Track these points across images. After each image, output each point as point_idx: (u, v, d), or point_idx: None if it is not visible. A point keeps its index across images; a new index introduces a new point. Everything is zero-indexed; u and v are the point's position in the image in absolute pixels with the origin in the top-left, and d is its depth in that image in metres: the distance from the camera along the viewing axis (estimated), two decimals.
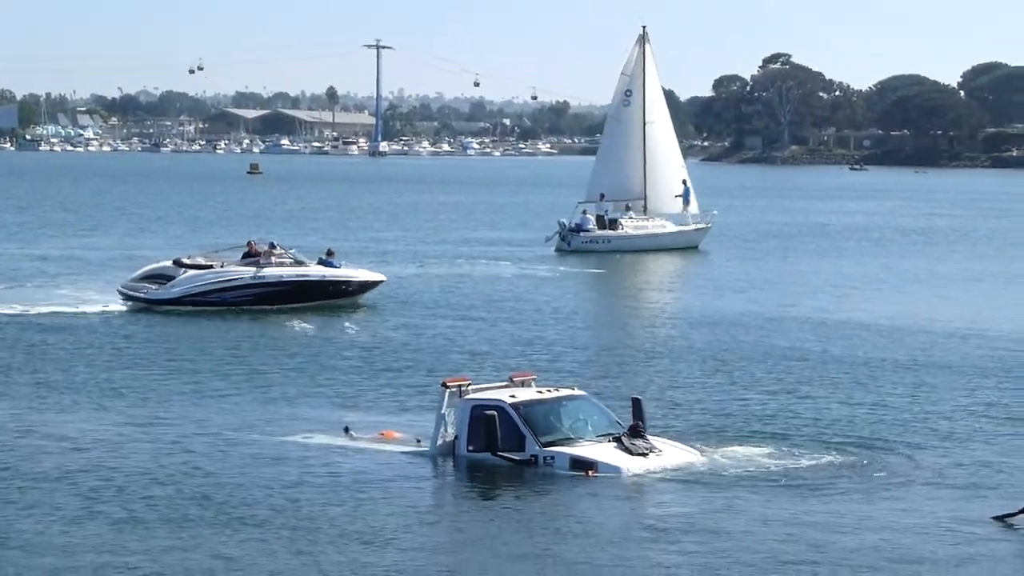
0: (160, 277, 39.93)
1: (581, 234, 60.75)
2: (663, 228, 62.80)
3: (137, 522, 18.22)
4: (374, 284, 41.91)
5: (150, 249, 57.03)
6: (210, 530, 17.92)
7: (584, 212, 61.82)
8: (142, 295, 39.39)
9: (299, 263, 40.98)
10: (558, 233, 61.09)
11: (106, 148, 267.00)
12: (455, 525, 18.94)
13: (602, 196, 62.42)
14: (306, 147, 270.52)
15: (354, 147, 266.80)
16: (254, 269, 39.99)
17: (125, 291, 39.93)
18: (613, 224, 61.77)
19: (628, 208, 62.88)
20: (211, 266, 40.32)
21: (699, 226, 63.72)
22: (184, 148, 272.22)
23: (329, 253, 42.26)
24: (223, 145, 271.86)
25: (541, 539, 17.80)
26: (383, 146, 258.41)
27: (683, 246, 62.08)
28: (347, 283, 41.25)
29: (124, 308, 39.25)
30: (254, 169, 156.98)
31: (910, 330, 37.47)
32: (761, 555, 16.87)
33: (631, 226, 62.13)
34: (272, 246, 41.60)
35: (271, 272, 40.10)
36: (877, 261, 59.18)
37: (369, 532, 17.88)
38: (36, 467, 21.21)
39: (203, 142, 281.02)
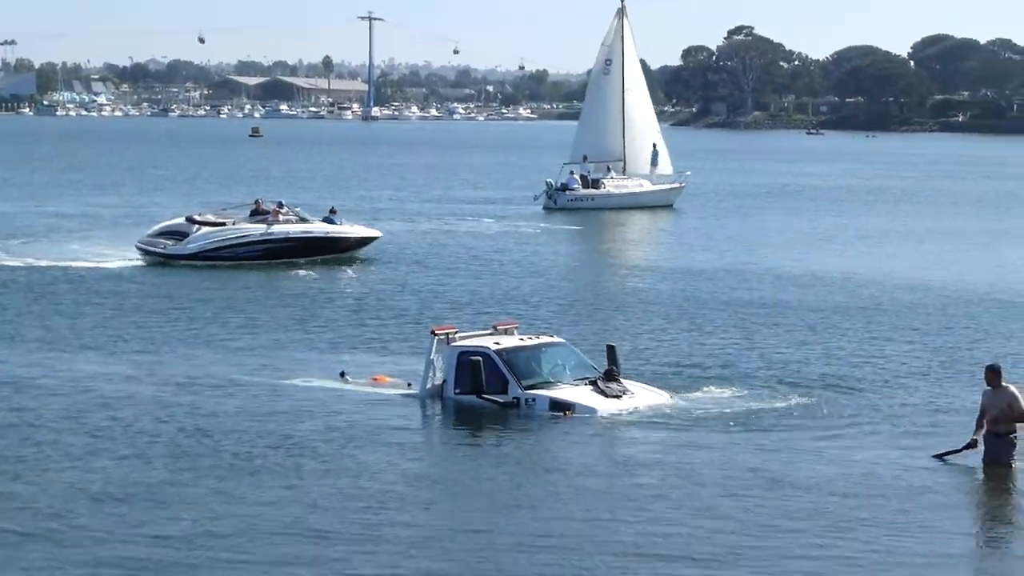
0: (175, 233, 39.90)
1: (567, 193, 61.11)
2: (641, 187, 63.19)
3: (139, 457, 18.19)
4: (370, 240, 42.15)
5: (159, 207, 56.84)
6: (208, 464, 17.90)
7: (572, 173, 62.25)
8: (160, 250, 39.34)
9: (304, 220, 41.20)
10: (545, 192, 61.46)
11: (118, 113, 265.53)
12: (439, 461, 18.93)
13: (585, 158, 63.02)
14: (304, 112, 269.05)
15: (348, 112, 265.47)
16: (264, 226, 40.12)
17: (143, 246, 39.91)
18: (596, 184, 62.24)
19: (609, 169, 63.37)
20: (223, 223, 40.44)
21: (674, 186, 64.11)
22: (190, 113, 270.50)
23: (332, 211, 42.57)
24: (226, 110, 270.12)
25: (519, 473, 17.80)
26: (375, 111, 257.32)
27: (659, 204, 62.49)
28: (347, 239, 41.52)
29: (143, 262, 39.38)
30: (255, 132, 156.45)
31: (861, 281, 37.43)
32: (721, 488, 16.94)
33: (612, 186, 62.57)
34: (280, 205, 41.65)
35: (279, 229, 40.21)
36: (831, 219, 59.09)
37: (356, 467, 17.86)
38: (48, 406, 21.19)
39: (208, 107, 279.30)
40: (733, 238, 50.17)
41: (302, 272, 37.72)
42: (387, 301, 33.34)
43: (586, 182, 61.88)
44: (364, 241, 42.03)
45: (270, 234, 40.02)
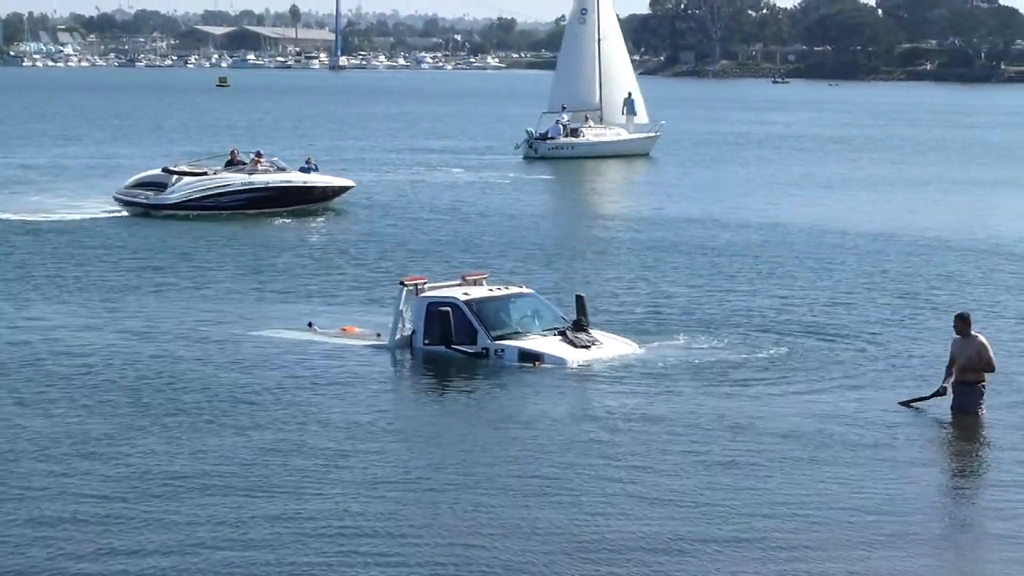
0: (153, 184, 39.67)
1: (547, 142, 61.19)
2: (619, 136, 63.37)
3: (104, 405, 18.18)
4: (345, 189, 42.22)
5: (127, 159, 56.46)
6: (165, 415, 17.82)
7: (557, 122, 62.28)
8: (141, 200, 39.11)
9: (282, 171, 41.23)
10: (527, 141, 61.47)
11: (84, 64, 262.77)
12: (408, 411, 18.86)
13: (563, 107, 63.06)
14: (271, 62, 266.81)
15: (315, 62, 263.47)
16: (245, 176, 40.13)
17: (122, 197, 39.65)
18: (575, 133, 62.40)
19: (587, 118, 63.44)
20: (203, 173, 40.27)
21: (650, 135, 64.22)
22: (157, 63, 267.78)
23: (308, 162, 42.74)
24: (193, 60, 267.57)
25: (483, 424, 17.79)
26: (342, 61, 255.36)
27: (636, 153, 62.66)
28: (324, 188, 41.62)
29: (125, 213, 39.16)
30: (223, 82, 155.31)
31: (827, 230, 37.54)
32: (687, 437, 16.98)
33: (591, 134, 62.74)
34: (259, 155, 41.67)
35: (259, 179, 40.20)
36: (797, 168, 59.13)
37: (320, 418, 17.80)
38: (16, 354, 21.22)
39: (175, 57, 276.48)
40: (705, 187, 50.22)
41: (280, 221, 38.25)
42: (357, 252, 33.27)
43: (564, 131, 62.06)
44: (339, 191, 42.07)
45: (251, 183, 40.00)
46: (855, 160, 63.74)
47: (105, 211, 39.25)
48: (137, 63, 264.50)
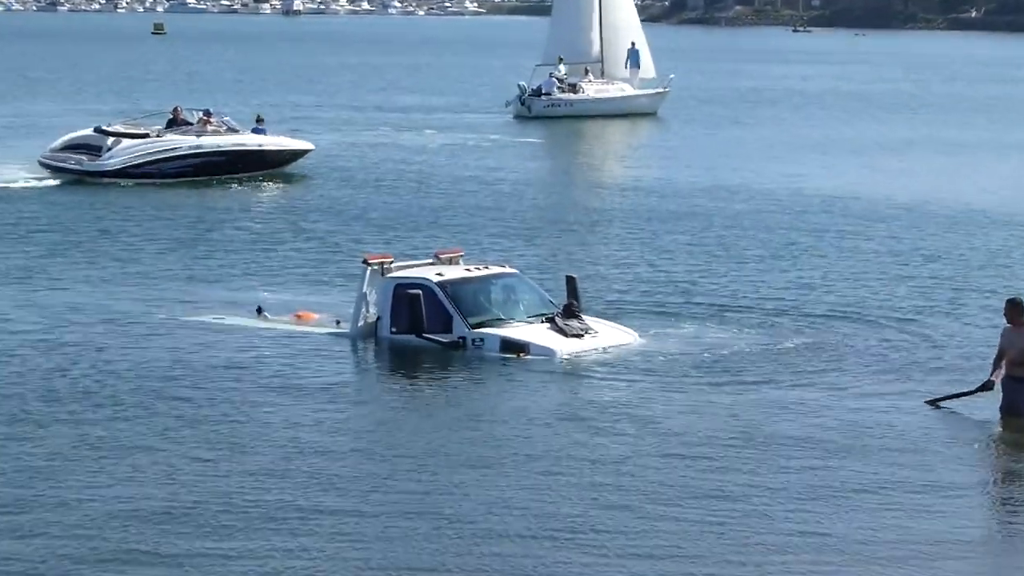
0: (86, 147, 39.34)
1: (543, 98, 60.78)
2: (623, 92, 63.07)
3: (10, 400, 18.28)
4: (303, 153, 42.18)
5: (49, 116, 56.20)
6: (92, 410, 17.92)
7: (551, 75, 61.80)
8: (73, 166, 38.87)
9: (234, 131, 41.15)
10: (518, 97, 61.11)
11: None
12: (370, 411, 18.84)
13: (560, 59, 62.89)
14: (214, 5, 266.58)
15: (266, 5, 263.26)
16: (194, 138, 39.99)
17: (50, 162, 39.25)
18: (573, 88, 61.92)
19: (587, 71, 63.18)
20: (145, 135, 40.03)
21: (658, 91, 63.96)
22: (82, 7, 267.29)
23: (259, 121, 42.61)
24: (124, 4, 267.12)
25: (464, 425, 17.85)
26: (297, 4, 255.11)
27: (642, 111, 62.53)
28: (280, 152, 41.58)
29: (54, 181, 38.76)
30: (158, 29, 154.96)
31: (853, 200, 37.80)
32: (692, 444, 16.97)
33: (592, 90, 62.38)
34: (208, 114, 41.49)
35: (209, 141, 40.09)
36: (819, 129, 59.31)
37: (270, 420, 17.81)
38: None
39: (103, 1, 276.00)
40: (715, 151, 50.37)
41: (230, 190, 38.52)
42: (313, 225, 33.37)
43: (562, 86, 61.55)
44: (296, 155, 42.04)
45: (199, 147, 39.84)
46: (886, 121, 63.93)
47: (29, 177, 38.94)
48: (59, 6, 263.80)
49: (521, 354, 20.93)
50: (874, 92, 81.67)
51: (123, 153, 39.06)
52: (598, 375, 20.35)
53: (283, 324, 22.75)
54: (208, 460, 16.14)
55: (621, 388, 19.63)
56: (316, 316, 23.12)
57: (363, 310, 21.98)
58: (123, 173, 38.76)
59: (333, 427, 17.71)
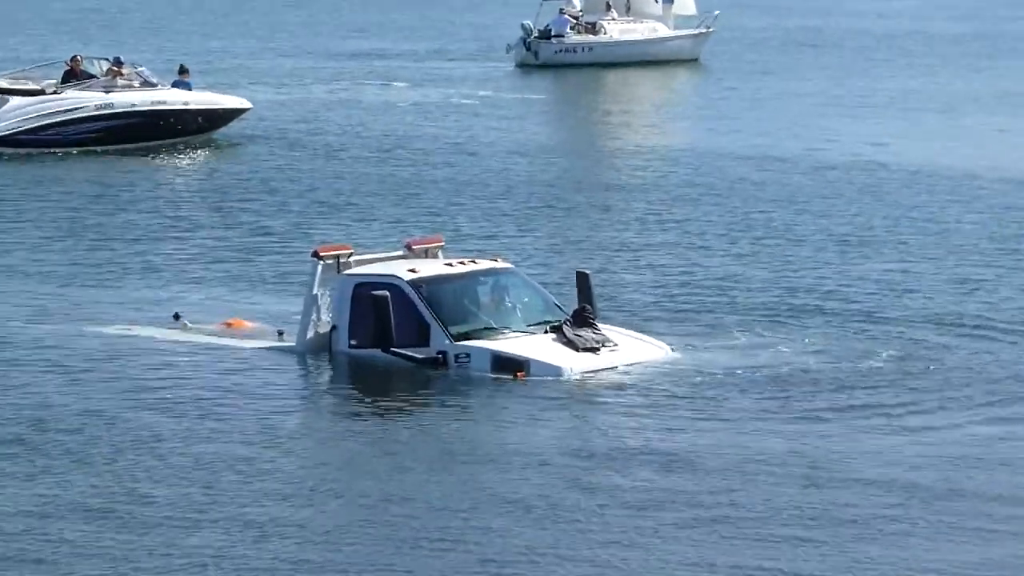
0: None
1: (553, 41, 61.10)
2: (655, 33, 63.31)
3: None
4: (236, 113, 42.43)
5: None
6: None
7: (562, 11, 61.78)
8: None
9: (151, 86, 41.31)
10: (522, 40, 61.24)
11: None
12: (325, 453, 18.75)
13: None
14: None
15: None
16: (101, 95, 40.17)
17: None
18: (592, 28, 62.14)
19: (609, 7, 63.29)
20: (39, 92, 40.17)
21: (699, 31, 64.26)
22: None
23: (182, 71, 42.83)
24: None
25: (443, 468, 17.78)
26: None
27: (678, 57, 62.77)
28: (212, 112, 41.84)
29: None
30: None
31: (938, 176, 37.80)
32: (741, 501, 16.71)
33: (616, 30, 62.65)
34: (118, 63, 41.57)
35: (122, 99, 40.36)
36: (897, 80, 59.26)
37: (202, 462, 17.75)
38: None
39: None
40: (770, 109, 50.59)
41: (145, 161, 38.76)
42: (249, 206, 33.35)
43: (578, 26, 61.60)
44: (228, 116, 42.29)
45: (111, 106, 40.12)
46: (985, 70, 63.55)
47: None
48: None
49: (519, 374, 20.93)
50: (973, 33, 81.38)
51: (10, 115, 39.21)
52: (618, 402, 20.24)
53: (208, 335, 22.77)
54: (97, 513, 16.03)
55: (647, 420, 19.50)
56: (251, 325, 23.22)
57: (313, 317, 21.94)
58: (11, 140, 38.95)
59: (271, 471, 17.52)
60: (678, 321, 23.81)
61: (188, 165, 39.29)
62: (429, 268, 22.07)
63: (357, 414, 20.28)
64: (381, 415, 19.99)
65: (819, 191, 35.72)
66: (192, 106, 41.32)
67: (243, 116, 42.55)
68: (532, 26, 61.44)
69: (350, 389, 21.22)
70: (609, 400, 20.37)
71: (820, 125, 46.72)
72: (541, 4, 62.50)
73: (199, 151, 40.73)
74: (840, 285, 26.42)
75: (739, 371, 21.26)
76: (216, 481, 17.19)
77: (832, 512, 16.25)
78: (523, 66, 60.51)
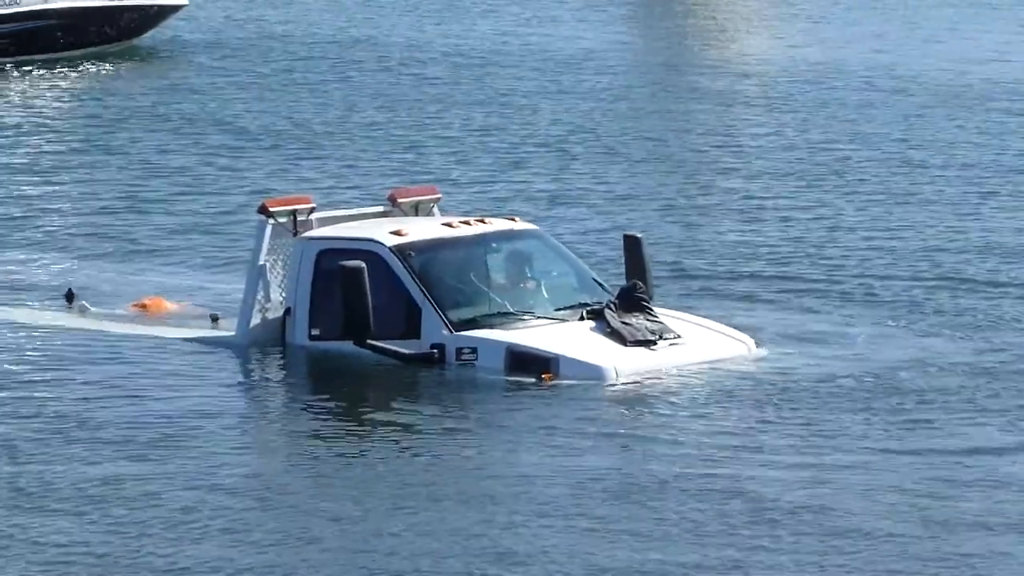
0: None
1: None
2: None
3: None
4: (167, 12, 43.58)
5: None
6: None
7: None
8: None
9: None
10: None
11: None
12: (279, 491, 18.43)
13: None
14: None
15: None
16: None
17: None
18: None
19: None
20: None
21: None
22: None
23: None
24: None
25: (439, 520, 17.55)
26: None
27: None
28: (142, 10, 43.14)
29: None
30: None
31: None
32: (842, 546, 16.84)
33: None
34: None
35: None
36: None
37: (118, 508, 17.66)
38: None
39: None
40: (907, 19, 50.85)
41: (39, 75, 39.83)
42: (175, 141, 33.62)
43: None
44: (163, 14, 43.52)
45: (15, 4, 41.43)
46: None
47: None
48: None
49: (544, 376, 21.03)
50: None
51: None
52: (681, 415, 20.21)
53: (114, 321, 22.79)
54: None
55: (718, 441, 19.37)
56: (172, 306, 23.37)
57: (260, 297, 22.08)
58: None
59: (198, 509, 17.43)
60: (763, 303, 24.08)
61: (97, 85, 39.92)
62: (421, 230, 22.19)
63: (319, 435, 19.88)
64: (354, 436, 19.74)
65: (912, 125, 36.35)
66: (114, 4, 42.85)
67: (172, 16, 43.75)
68: None
69: (310, 399, 21.03)
70: (668, 413, 20.21)
71: (930, 37, 47.72)
72: None
73: (119, 64, 41.86)
74: (993, 255, 26.73)
75: (849, 375, 21.34)
76: (139, 516, 17.38)
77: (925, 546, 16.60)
78: None
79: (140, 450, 19.19)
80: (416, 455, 19.25)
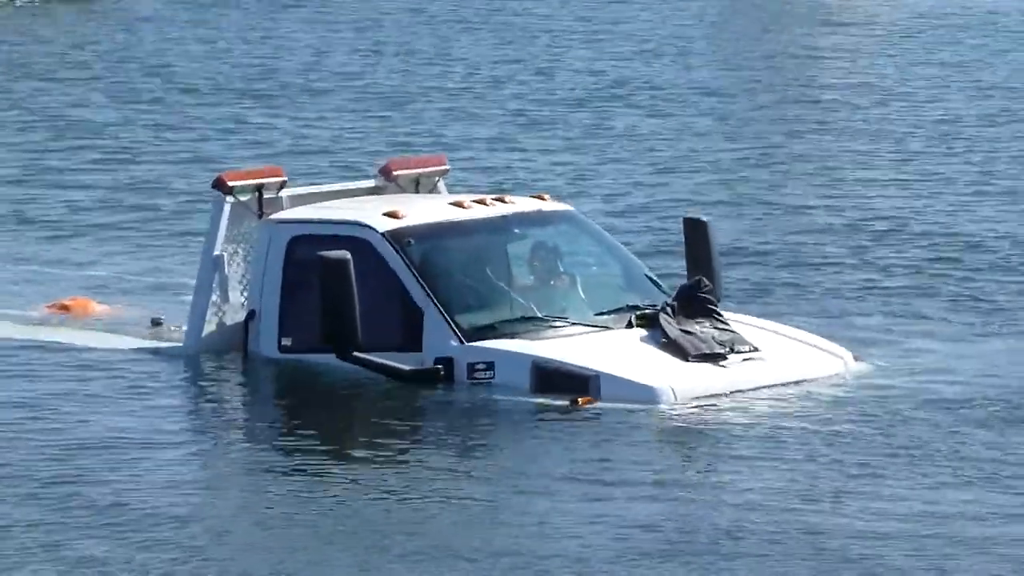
0: None
1: None
2: None
3: None
4: None
5: None
6: None
7: None
8: None
9: None
10: None
11: None
12: (243, 542, 17.65)
13: None
14: None
15: None
16: None
17: None
18: None
19: None
20: None
21: None
22: None
23: None
24: None
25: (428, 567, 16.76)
26: None
27: None
28: None
29: None
30: None
31: None
32: None
33: None
34: None
35: None
36: None
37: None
38: None
39: None
40: None
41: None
42: (120, 102, 34.14)
43: None
44: None
45: None
46: None
47: None
48: None
49: (581, 401, 20.22)
50: None
51: None
52: (757, 451, 19.60)
53: (24, 326, 22.78)
54: None
55: (812, 487, 18.57)
56: (104, 308, 23.24)
57: (215, 297, 21.78)
58: None
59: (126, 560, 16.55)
60: (861, 308, 23.75)
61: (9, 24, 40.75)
62: (422, 211, 21.69)
63: (289, 477, 18.86)
64: (333, 481, 18.59)
65: None
66: None
67: None
68: None
69: (277, 429, 20.30)
70: (743, 453, 19.43)
71: None
72: None
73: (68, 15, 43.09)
74: None
75: (976, 399, 20.84)
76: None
77: None
78: None
79: (51, 493, 18.20)
80: (416, 507, 18.24)
